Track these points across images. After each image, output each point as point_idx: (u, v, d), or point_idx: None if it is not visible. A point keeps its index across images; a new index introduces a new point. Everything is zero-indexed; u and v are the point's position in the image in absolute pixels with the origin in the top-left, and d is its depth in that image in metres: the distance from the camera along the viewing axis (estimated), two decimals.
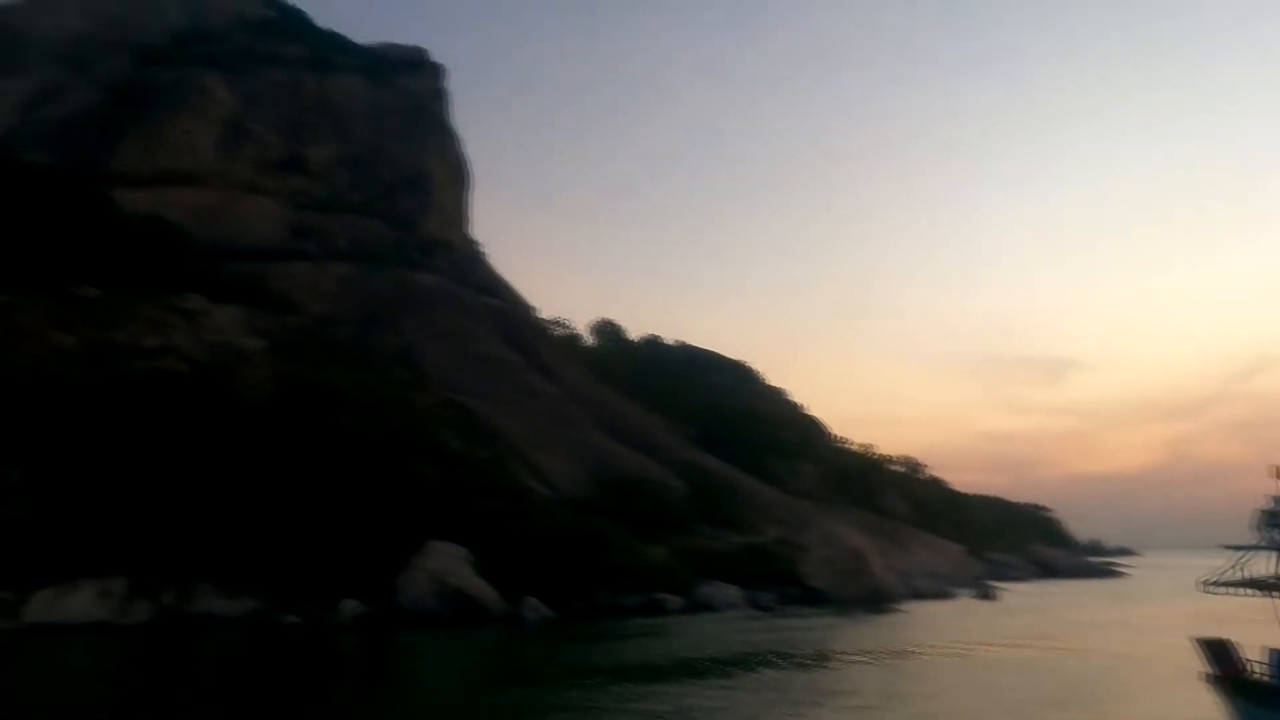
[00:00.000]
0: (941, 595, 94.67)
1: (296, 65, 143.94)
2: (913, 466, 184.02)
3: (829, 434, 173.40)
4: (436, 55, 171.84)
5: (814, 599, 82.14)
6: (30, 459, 66.64)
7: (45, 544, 57.99)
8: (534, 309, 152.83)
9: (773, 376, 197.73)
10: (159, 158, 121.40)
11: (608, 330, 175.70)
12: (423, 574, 59.91)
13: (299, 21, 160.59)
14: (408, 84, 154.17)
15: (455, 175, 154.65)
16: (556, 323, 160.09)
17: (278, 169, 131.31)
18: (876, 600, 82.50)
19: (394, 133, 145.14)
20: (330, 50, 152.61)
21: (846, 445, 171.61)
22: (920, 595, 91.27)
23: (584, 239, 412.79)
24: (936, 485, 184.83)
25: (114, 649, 47.05)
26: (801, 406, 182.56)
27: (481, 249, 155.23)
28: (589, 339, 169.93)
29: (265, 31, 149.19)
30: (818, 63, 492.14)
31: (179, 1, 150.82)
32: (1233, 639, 23.60)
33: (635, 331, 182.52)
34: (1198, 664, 23.94)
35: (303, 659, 45.79)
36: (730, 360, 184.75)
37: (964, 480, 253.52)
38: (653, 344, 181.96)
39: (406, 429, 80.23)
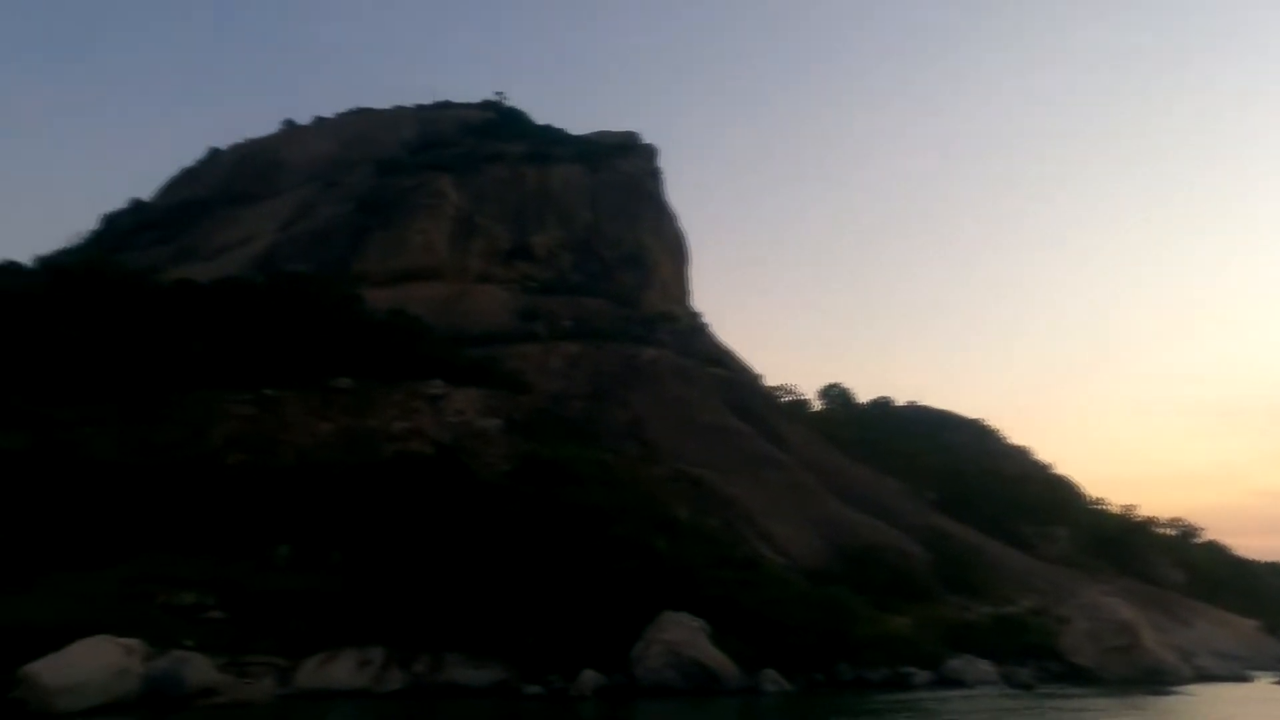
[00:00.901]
0: (1235, 678, 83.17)
1: (517, 160, 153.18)
2: (1185, 530, 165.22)
3: (1082, 494, 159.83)
4: (648, 137, 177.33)
5: (1077, 677, 74.25)
6: (298, 537, 72.17)
7: (312, 615, 62.09)
8: (760, 377, 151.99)
9: (1014, 435, 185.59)
10: (399, 257, 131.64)
11: (835, 394, 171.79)
12: (658, 645, 59.04)
13: (518, 120, 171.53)
14: (622, 166, 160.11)
15: (673, 250, 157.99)
16: (783, 389, 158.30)
17: (506, 258, 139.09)
18: (1153, 680, 73.45)
19: (612, 214, 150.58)
20: (548, 143, 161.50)
21: (1103, 507, 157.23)
22: (1207, 677, 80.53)
23: (805, 305, 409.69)
24: (1216, 550, 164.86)
25: (369, 715, 48.97)
26: (1048, 466, 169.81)
27: (704, 320, 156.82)
28: (816, 404, 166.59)
29: (488, 133, 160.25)
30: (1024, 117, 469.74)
31: (412, 117, 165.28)
32: None
33: (863, 394, 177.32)
34: None
35: None
36: (966, 419, 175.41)
37: (1246, 545, 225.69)
38: (882, 405, 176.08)
39: (638, 501, 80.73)
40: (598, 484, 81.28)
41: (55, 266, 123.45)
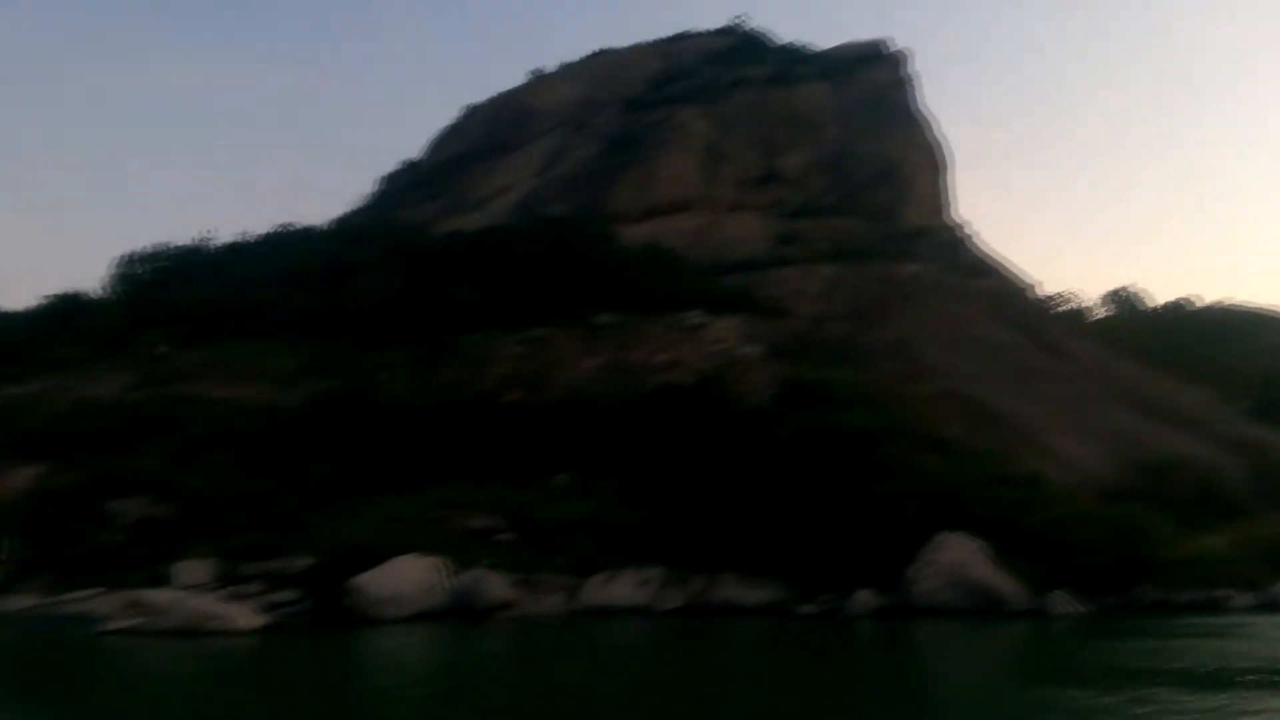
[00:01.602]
0: None
1: (761, 84, 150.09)
2: None
3: None
4: (901, 41, 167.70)
5: None
6: (574, 467, 76.11)
7: (593, 538, 65.55)
8: (1034, 286, 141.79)
9: None
10: (651, 192, 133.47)
11: (1122, 298, 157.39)
12: (935, 566, 57.12)
13: (759, 43, 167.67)
14: (869, 78, 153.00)
15: (929, 161, 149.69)
16: (1062, 297, 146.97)
17: (757, 184, 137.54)
18: None
19: (860, 130, 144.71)
20: (790, 62, 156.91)
21: None
22: None
23: (1087, 205, 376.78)
24: None
25: (649, 632, 51.02)
26: None
27: (968, 231, 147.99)
28: (1101, 311, 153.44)
29: (729, 59, 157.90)
30: None
31: (653, 52, 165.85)
32: None
33: (1156, 297, 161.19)
34: None
35: (821, 646, 45.66)
36: None
37: None
38: (1179, 308, 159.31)
39: (905, 422, 78.10)
40: (862, 406, 79.34)
41: (345, 227, 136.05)
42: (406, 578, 57.51)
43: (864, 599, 56.54)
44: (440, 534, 66.23)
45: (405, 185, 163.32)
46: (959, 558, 57.46)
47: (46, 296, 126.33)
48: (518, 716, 28.89)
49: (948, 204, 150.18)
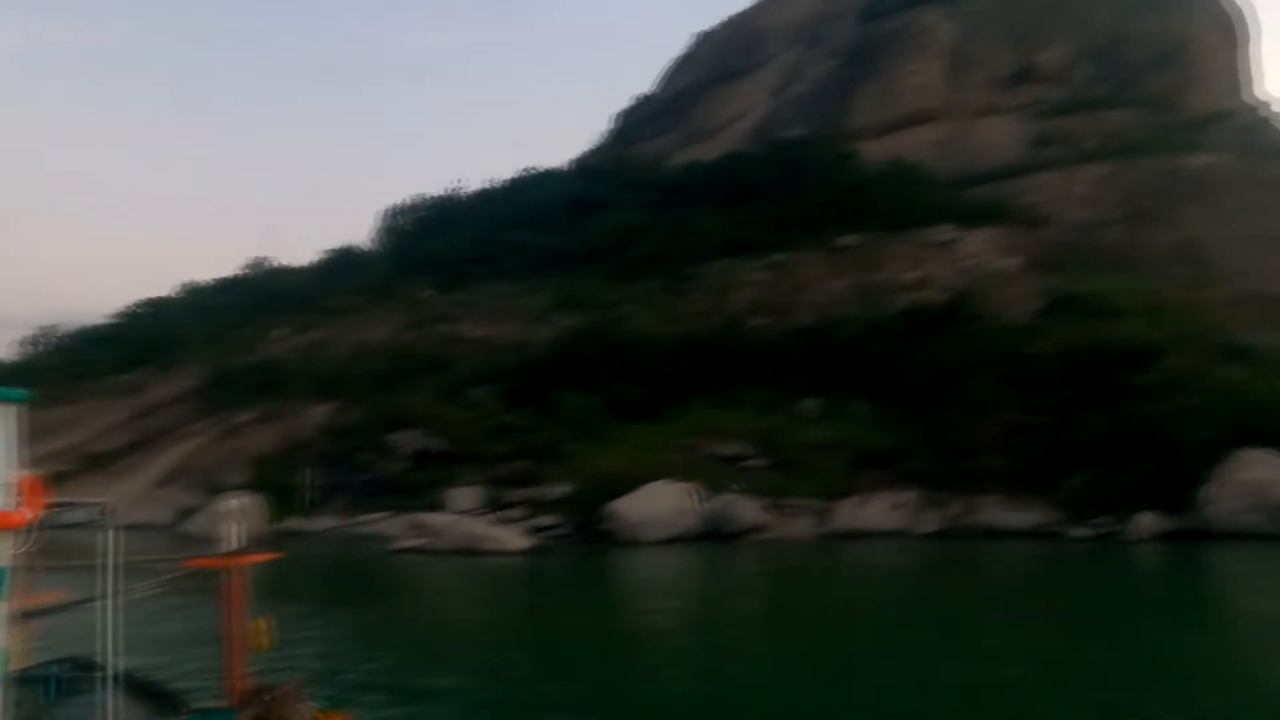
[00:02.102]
0: None
1: None
2: None
3: None
4: None
5: None
6: (822, 391, 74.31)
7: (844, 461, 63.96)
8: None
9: None
10: (893, 104, 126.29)
11: None
12: (1234, 486, 50.97)
13: None
14: None
15: (1225, 34, 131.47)
16: None
17: (1009, 84, 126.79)
18: None
19: (1139, 8, 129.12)
20: None
21: None
22: None
23: None
24: None
25: (906, 554, 49.04)
26: None
27: (1273, 110, 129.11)
28: None
29: None
30: None
31: None
32: None
33: None
34: None
35: (1099, 571, 42.00)
36: None
37: None
38: None
39: (1196, 330, 69.88)
40: (1142, 315, 71.77)
41: (584, 166, 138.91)
42: (660, 503, 58.78)
43: (1147, 522, 51.44)
44: (691, 460, 67.09)
45: (640, 120, 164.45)
46: (1264, 477, 50.94)
47: (325, 252, 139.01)
48: (773, 629, 28.46)
49: (1248, 81, 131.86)
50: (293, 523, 69.27)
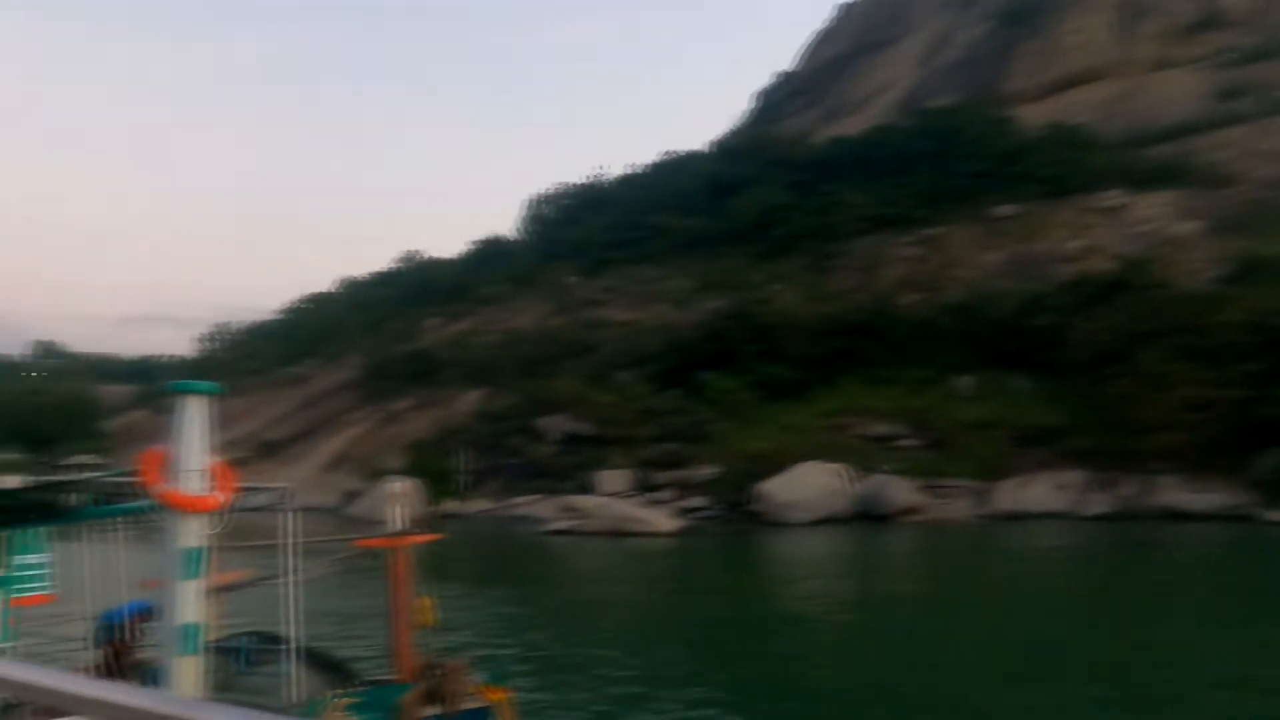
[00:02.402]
0: None
1: None
2: None
3: None
4: None
5: None
6: (977, 368, 71.33)
7: (1004, 441, 61.23)
8: None
9: None
10: (1053, 65, 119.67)
11: None
12: None
13: None
14: None
15: None
16: None
17: (1187, 34, 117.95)
18: None
19: None
20: None
21: None
22: None
23: None
24: None
25: (1075, 537, 46.42)
26: None
27: None
28: None
29: None
30: None
31: None
32: None
33: None
34: None
35: None
36: None
37: None
38: None
39: None
40: None
41: (725, 147, 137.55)
42: (810, 483, 57.80)
43: None
44: (840, 440, 65.69)
45: (781, 97, 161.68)
46: None
47: (473, 243, 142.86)
48: (935, 608, 27.34)
49: None
50: (448, 505, 71.57)
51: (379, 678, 13.05)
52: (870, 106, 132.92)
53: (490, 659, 15.60)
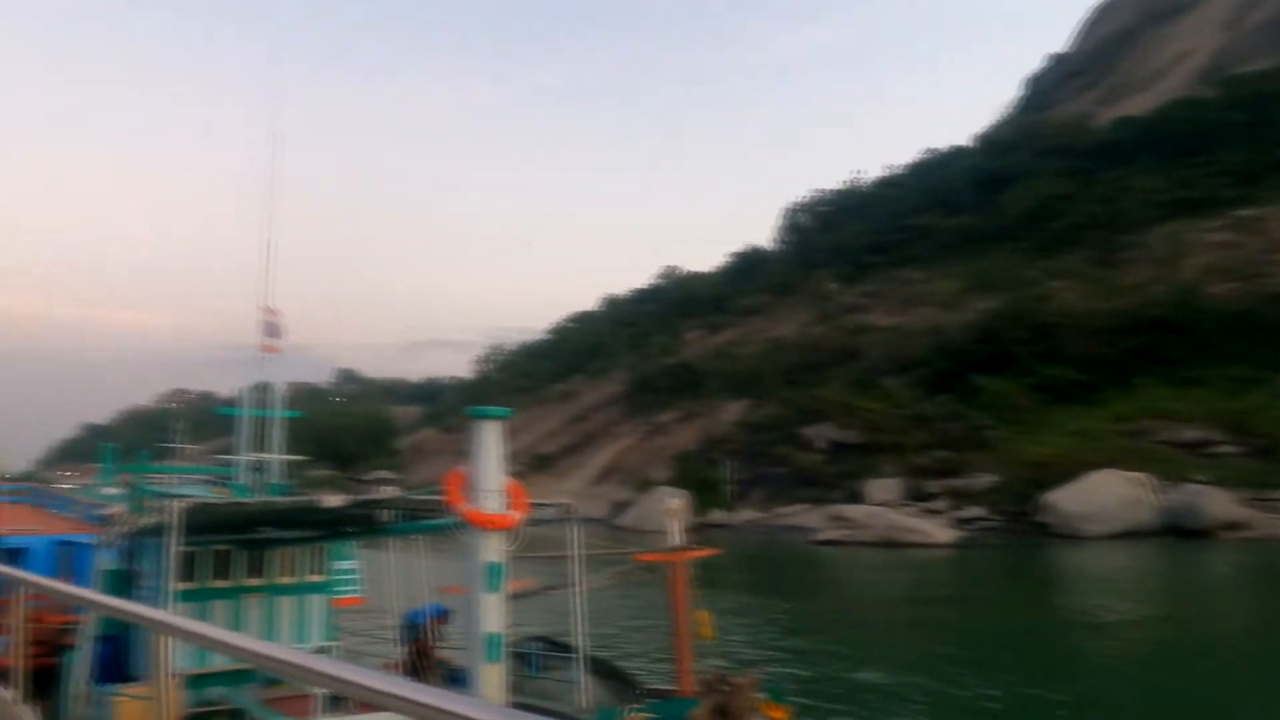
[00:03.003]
0: None
1: None
2: None
3: None
4: None
5: None
6: None
7: None
8: None
9: None
10: None
11: None
12: None
13: None
14: None
15: None
16: None
17: None
18: None
19: None
20: None
21: None
22: None
23: None
24: None
25: None
26: None
27: None
28: None
29: None
30: None
31: None
32: None
33: None
34: None
35: None
36: None
37: None
38: None
39: None
40: None
41: (992, 139, 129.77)
42: (1106, 493, 52.82)
43: None
44: (1140, 447, 59.63)
45: (1052, 82, 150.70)
46: None
47: (730, 254, 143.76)
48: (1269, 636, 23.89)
49: None
50: (715, 515, 72.02)
51: (663, 689, 12.97)
52: (1162, 81, 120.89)
53: (769, 675, 15.15)
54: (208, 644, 2.57)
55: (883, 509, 58.05)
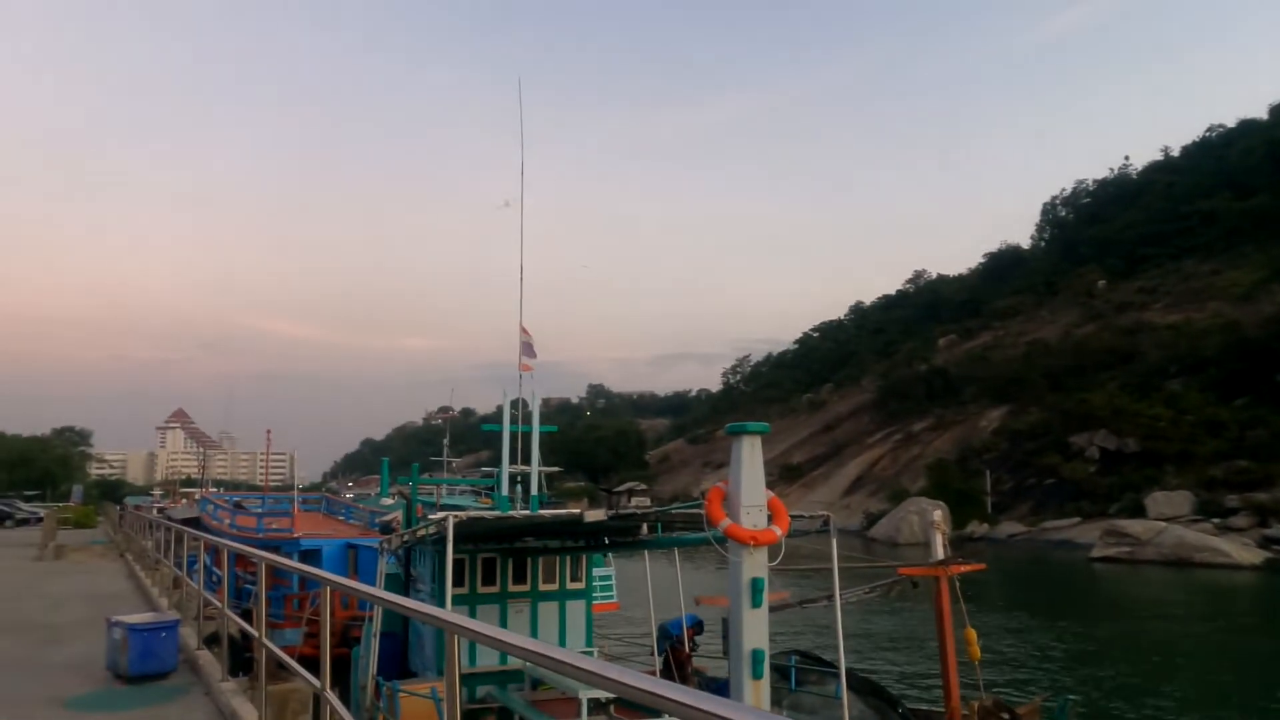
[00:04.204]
0: None
1: None
2: None
3: None
4: None
5: None
6: None
7: None
8: None
9: None
10: None
11: None
12: None
13: None
14: None
15: None
16: None
17: None
18: None
19: None
20: None
21: None
22: None
23: None
24: None
25: None
26: None
27: None
28: None
29: None
30: None
31: None
32: None
33: None
34: None
35: None
36: None
37: None
38: None
39: None
40: None
41: None
42: None
43: None
44: None
45: None
46: None
47: (984, 255, 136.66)
48: None
49: None
50: (974, 528, 68.29)
51: (932, 711, 12.33)
52: None
53: (1050, 701, 14.01)
54: (493, 644, 2.67)
55: (1170, 524, 52.67)
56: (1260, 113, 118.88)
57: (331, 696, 3.84)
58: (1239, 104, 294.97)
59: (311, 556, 17.44)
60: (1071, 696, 17.64)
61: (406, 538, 11.00)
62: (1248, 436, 61.15)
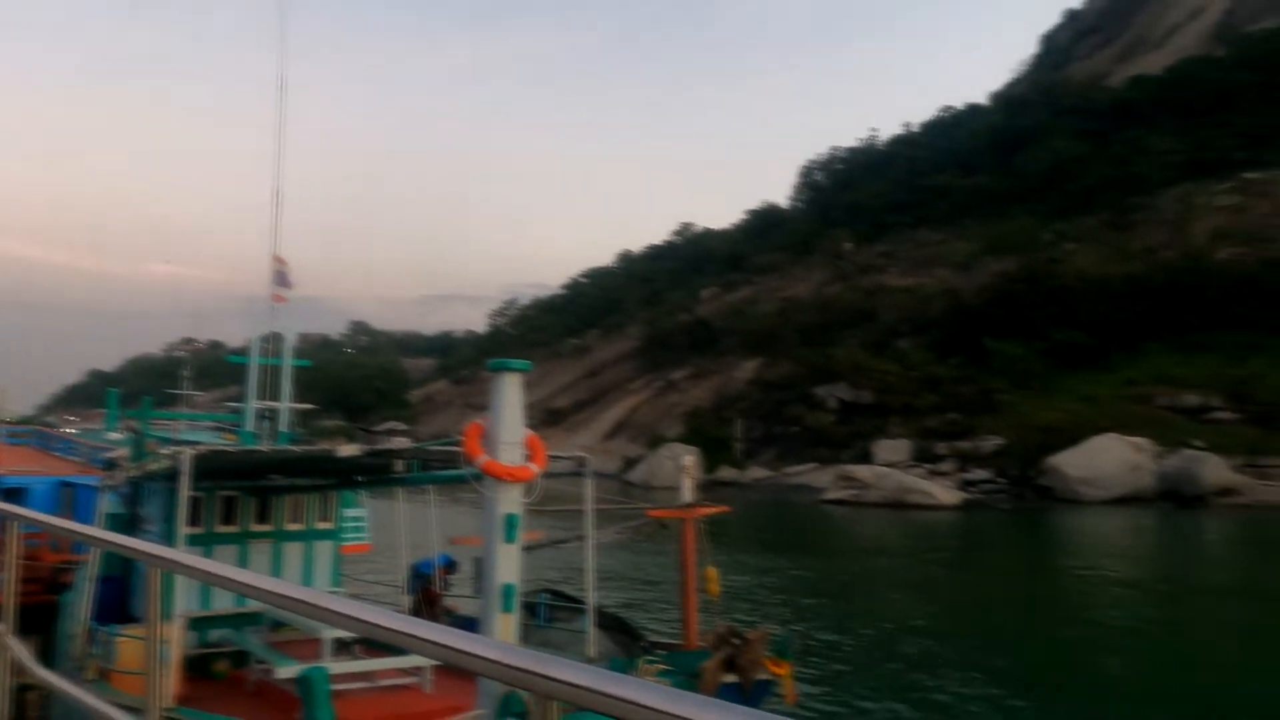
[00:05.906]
0: None
1: None
2: None
3: None
4: None
5: None
6: None
7: None
8: None
9: None
10: None
11: None
12: None
13: None
14: None
15: None
16: None
17: None
18: None
19: None
20: None
21: None
22: None
23: None
24: None
25: None
26: None
27: None
28: None
29: None
30: None
31: None
32: None
33: None
34: None
35: None
36: None
37: None
38: None
39: None
40: None
41: (1008, 98, 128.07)
42: (1107, 458, 52.95)
43: None
44: (1143, 412, 59.73)
45: (1068, 39, 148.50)
46: None
47: (747, 212, 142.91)
48: (1255, 607, 24.00)
49: None
50: (725, 473, 72.33)
51: (672, 644, 13.15)
52: (1176, 40, 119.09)
53: (775, 632, 15.33)
54: (213, 580, 2.42)
55: (891, 470, 58.20)
56: (984, 99, 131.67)
57: (15, 641, 3.33)
58: (974, 86, 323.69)
59: (16, 495, 15.91)
60: (795, 628, 19.37)
61: (134, 473, 10.33)
62: (958, 392, 68.32)
